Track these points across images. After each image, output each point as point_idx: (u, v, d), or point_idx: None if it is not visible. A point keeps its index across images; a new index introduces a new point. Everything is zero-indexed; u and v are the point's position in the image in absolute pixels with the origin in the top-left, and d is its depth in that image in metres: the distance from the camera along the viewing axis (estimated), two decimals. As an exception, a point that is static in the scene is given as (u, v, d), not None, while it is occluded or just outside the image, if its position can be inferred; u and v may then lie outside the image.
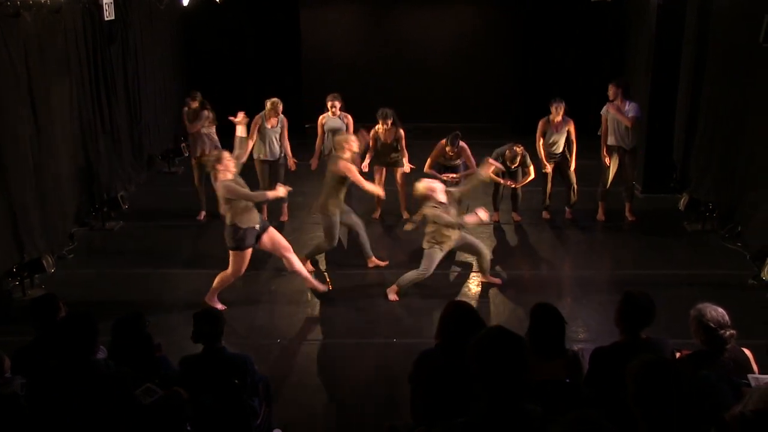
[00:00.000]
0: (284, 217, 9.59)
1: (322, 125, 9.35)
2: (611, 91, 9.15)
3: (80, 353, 3.85)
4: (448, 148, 8.78)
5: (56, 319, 4.41)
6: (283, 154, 9.25)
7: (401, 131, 9.17)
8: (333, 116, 9.29)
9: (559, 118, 9.06)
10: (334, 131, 9.07)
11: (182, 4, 11.47)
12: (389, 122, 9.03)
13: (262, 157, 9.15)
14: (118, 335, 4.48)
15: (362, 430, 5.44)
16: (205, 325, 4.39)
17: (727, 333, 4.15)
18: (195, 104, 9.47)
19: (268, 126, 9.06)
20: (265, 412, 4.73)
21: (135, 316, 4.51)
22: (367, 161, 9.21)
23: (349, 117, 9.37)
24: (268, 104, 9.06)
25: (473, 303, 7.06)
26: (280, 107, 9.06)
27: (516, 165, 8.88)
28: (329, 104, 9.27)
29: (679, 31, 10.15)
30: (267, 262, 8.25)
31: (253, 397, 4.54)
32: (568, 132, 9.16)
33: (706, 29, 10.01)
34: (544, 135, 9.20)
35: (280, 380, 5.86)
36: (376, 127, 9.14)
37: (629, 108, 9.04)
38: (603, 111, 9.25)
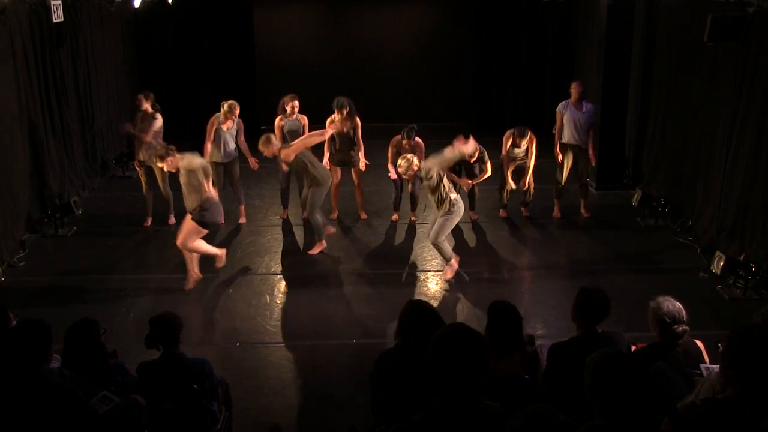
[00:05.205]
0: (242, 220, 9.51)
1: (281, 128, 9.21)
2: (575, 90, 9.25)
3: (32, 363, 3.76)
4: (404, 142, 8.87)
5: (6, 329, 4.30)
6: (236, 156, 9.18)
7: (357, 120, 9.11)
8: (290, 118, 9.19)
9: (524, 143, 9.14)
10: (292, 133, 9.03)
11: (134, 5, 11.29)
12: (345, 111, 8.92)
13: (215, 159, 9.05)
14: (70, 342, 4.39)
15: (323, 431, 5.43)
16: (160, 330, 4.33)
17: (680, 328, 4.28)
18: (147, 105, 9.21)
19: (224, 128, 8.97)
20: (225, 416, 4.69)
21: (86, 322, 4.43)
22: (326, 158, 9.17)
23: (305, 118, 9.29)
24: (225, 106, 8.97)
25: (432, 302, 7.10)
26: (237, 110, 8.97)
27: (474, 160, 8.91)
28: (289, 106, 9.16)
29: (629, 30, 10.36)
30: (226, 263, 8.17)
31: (213, 401, 4.50)
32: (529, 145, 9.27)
33: (654, 28, 10.22)
34: (509, 147, 9.24)
35: (240, 383, 5.80)
36: (333, 116, 9.04)
37: (587, 109, 9.19)
38: (558, 108, 9.37)
